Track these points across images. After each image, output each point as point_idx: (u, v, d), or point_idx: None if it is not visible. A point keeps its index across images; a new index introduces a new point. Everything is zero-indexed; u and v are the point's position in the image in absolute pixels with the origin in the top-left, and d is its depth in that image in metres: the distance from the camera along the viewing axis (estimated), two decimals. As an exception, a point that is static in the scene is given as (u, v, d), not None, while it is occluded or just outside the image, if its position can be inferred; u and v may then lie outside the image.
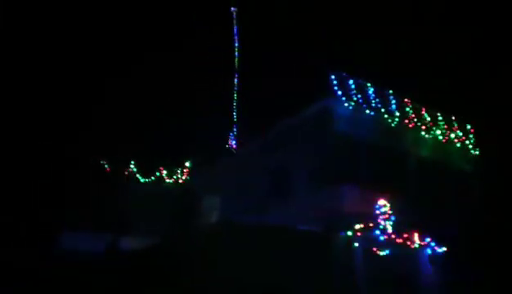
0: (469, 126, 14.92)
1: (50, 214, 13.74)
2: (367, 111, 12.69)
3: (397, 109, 13.31)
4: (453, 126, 14.56)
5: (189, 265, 9.14)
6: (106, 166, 15.92)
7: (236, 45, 19.49)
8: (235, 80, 18.96)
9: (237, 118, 17.08)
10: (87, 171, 15.70)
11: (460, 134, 14.58)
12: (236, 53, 19.19)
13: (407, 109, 13.57)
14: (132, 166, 16.27)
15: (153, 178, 16.46)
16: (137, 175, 16.26)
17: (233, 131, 16.11)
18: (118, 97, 19.63)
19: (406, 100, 13.66)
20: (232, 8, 19.15)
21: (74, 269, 10.40)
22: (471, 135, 14.86)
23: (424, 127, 13.74)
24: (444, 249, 10.44)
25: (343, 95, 12.29)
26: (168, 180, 16.68)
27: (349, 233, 9.88)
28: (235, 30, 19.01)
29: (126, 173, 16.12)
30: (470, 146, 14.77)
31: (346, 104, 12.20)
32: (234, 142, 16.03)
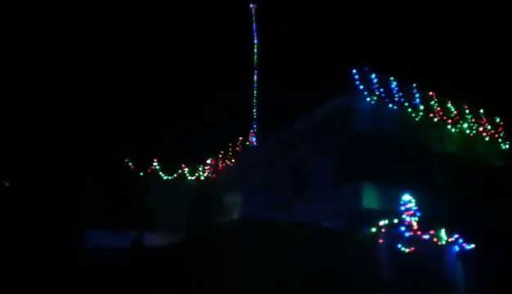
0: (498, 120, 14.37)
1: (76, 211, 14.17)
2: (390, 105, 12.41)
3: (422, 102, 12.96)
4: (481, 119, 14.05)
5: (212, 261, 9.22)
6: (130, 164, 16.28)
7: (256, 42, 19.49)
8: (255, 77, 18.98)
9: (257, 114, 17.10)
10: (112, 170, 16.11)
11: (489, 127, 14.05)
12: (256, 50, 19.19)
13: (432, 102, 13.20)
14: (155, 163, 16.58)
15: (175, 175, 16.72)
16: (160, 173, 16.56)
17: (254, 128, 16.13)
18: (142, 96, 20.07)
19: (430, 93, 13.28)
20: (251, 5, 19.15)
21: (100, 266, 10.69)
22: (501, 129, 14.30)
23: (450, 121, 13.33)
24: (473, 246, 10.12)
25: (365, 89, 12.06)
26: (190, 178, 16.92)
27: (373, 229, 9.72)
28: (254, 27, 19.00)
29: (149, 171, 16.44)
30: (500, 140, 14.22)
31: (368, 99, 11.97)
32: (254, 139, 16.05)
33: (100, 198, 15.00)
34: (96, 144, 17.20)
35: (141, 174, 16.14)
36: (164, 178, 16.44)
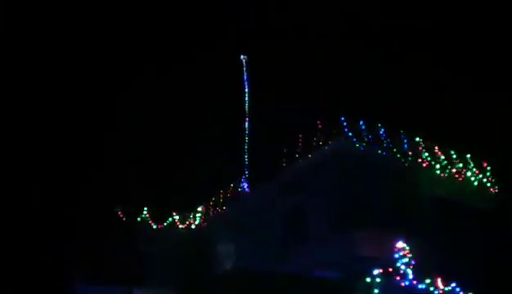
0: (485, 164, 14.64)
1: (63, 266, 13.62)
2: (379, 151, 12.63)
3: (410, 148, 13.22)
4: (469, 163, 14.31)
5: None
6: (120, 213, 15.95)
7: (246, 90, 20.06)
8: (246, 124, 19.30)
9: (249, 161, 17.18)
10: (100, 219, 15.75)
11: (476, 171, 14.28)
12: (247, 98, 19.70)
13: (420, 148, 13.47)
14: (144, 212, 16.27)
15: (166, 224, 16.35)
16: (149, 222, 16.19)
17: (245, 175, 16.11)
18: (129, 141, 20.11)
19: (417, 139, 13.61)
20: (242, 56, 19.94)
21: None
22: (488, 173, 14.53)
23: (438, 166, 13.53)
24: (471, 295, 9.87)
25: (354, 136, 12.32)
26: (180, 226, 16.55)
27: (368, 279, 9.48)
28: (245, 77, 19.65)
29: (139, 220, 16.09)
30: (489, 184, 14.40)
31: (357, 145, 12.19)
32: (246, 185, 15.98)
33: (87, 251, 14.50)
34: (82, 194, 16.95)
35: (131, 224, 15.74)
36: (154, 227, 16.04)
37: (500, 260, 12.05)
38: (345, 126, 12.36)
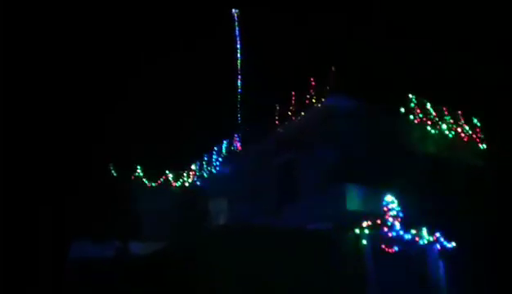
0: (475, 120, 14.79)
1: (59, 222, 13.89)
2: (373, 108, 12.63)
3: (402, 104, 13.25)
4: (459, 120, 14.44)
5: (199, 268, 9.17)
6: (113, 171, 16.04)
7: (238, 46, 19.57)
8: (239, 82, 19.03)
9: (242, 119, 17.13)
10: (95, 178, 15.86)
11: (467, 128, 14.46)
12: (239, 55, 19.26)
13: (412, 104, 13.50)
14: (138, 170, 16.38)
15: (159, 182, 16.55)
16: (144, 180, 16.36)
17: (238, 133, 16.14)
18: (126, 103, 19.86)
19: (409, 95, 13.59)
20: (234, 10, 19.23)
21: (84, 277, 10.49)
22: (478, 130, 14.73)
23: (429, 122, 13.65)
24: (453, 244, 10.35)
25: (347, 92, 12.26)
26: (174, 184, 16.77)
27: (357, 230, 9.85)
28: (237, 32, 19.08)
29: (133, 177, 16.24)
30: (478, 140, 14.64)
31: (350, 101, 12.17)
32: (239, 144, 16.06)
33: (84, 208, 14.73)
34: (80, 154, 16.92)
35: (124, 181, 15.90)
36: (148, 185, 16.24)
37: (484, 213, 12.54)
38: (337, 83, 12.26)
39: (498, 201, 12.60)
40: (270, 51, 18.67)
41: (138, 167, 16.38)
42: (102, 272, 10.62)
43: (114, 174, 15.94)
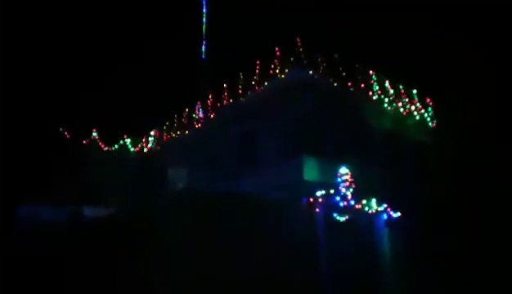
0: (428, 100, 15.60)
1: (7, 187, 13.13)
2: (333, 82, 12.90)
3: (363, 81, 13.63)
4: (413, 99, 15.16)
5: (154, 234, 9.18)
6: (66, 133, 15.29)
7: (204, 11, 18.90)
8: (203, 47, 18.53)
9: (205, 85, 16.83)
10: (46, 140, 15.03)
11: (419, 106, 15.23)
12: (204, 19, 18.65)
13: (371, 81, 13.93)
14: (94, 134, 15.73)
15: (116, 146, 16.04)
16: (100, 144, 15.77)
17: (201, 100, 15.88)
18: (82, 61, 18.70)
19: (371, 72, 13.98)
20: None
21: (35, 243, 10.16)
22: (429, 108, 15.57)
23: (386, 100, 14.20)
24: (399, 214, 11.11)
25: (310, 65, 12.37)
26: (132, 149, 16.34)
27: (311, 199, 10.26)
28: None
29: (87, 141, 15.58)
30: (428, 118, 15.51)
31: (311, 73, 12.31)
32: (201, 111, 15.85)
33: (32, 171, 13.99)
34: (27, 113, 15.86)
35: (78, 144, 15.23)
36: (104, 149, 15.68)
37: (426, 187, 13.50)
38: (302, 54, 12.32)
39: (439, 176, 13.59)
40: (236, 18, 18.21)
41: (94, 132, 15.72)
42: (55, 235, 10.34)
43: (67, 136, 15.19)
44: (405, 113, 14.71)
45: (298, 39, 12.51)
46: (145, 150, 16.58)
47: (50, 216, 11.63)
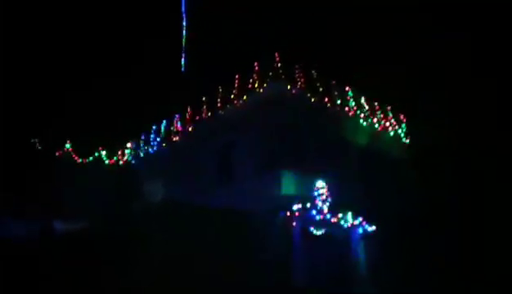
0: (401, 116, 16.10)
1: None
2: (311, 98, 13.14)
3: (339, 97, 13.96)
4: (388, 115, 15.62)
5: (129, 246, 8.96)
6: (38, 145, 14.79)
7: (184, 24, 19.03)
8: (183, 60, 18.57)
9: (184, 97, 16.78)
10: (17, 152, 14.47)
11: (394, 123, 15.70)
12: (184, 32, 18.75)
13: (348, 98, 14.29)
14: (67, 145, 15.29)
15: (91, 158, 15.64)
16: (73, 156, 15.33)
17: (179, 112, 15.80)
18: (53, 71, 18.28)
19: (347, 88, 14.35)
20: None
21: (6, 259, 9.68)
22: (403, 125, 16.07)
23: (362, 116, 14.57)
24: (373, 228, 11.28)
25: (288, 79, 12.59)
26: (107, 161, 15.97)
27: (288, 213, 10.29)
28: (183, 8, 18.51)
29: (60, 153, 15.12)
30: (402, 134, 15.98)
31: (289, 88, 12.51)
32: (179, 124, 15.75)
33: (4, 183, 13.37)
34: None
35: (50, 156, 14.74)
36: (78, 161, 15.23)
37: (404, 202, 13.82)
38: (280, 70, 12.52)
39: (414, 190, 13.94)
40: (216, 33, 18.39)
41: (67, 143, 15.27)
42: (27, 249, 9.90)
43: (39, 147, 14.71)
44: (380, 129, 15.11)
45: (276, 54, 12.73)
46: (121, 163, 16.24)
47: (19, 230, 11.11)
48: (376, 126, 14.99)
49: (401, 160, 15.26)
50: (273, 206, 10.71)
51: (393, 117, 15.73)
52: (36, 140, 14.72)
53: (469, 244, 11.73)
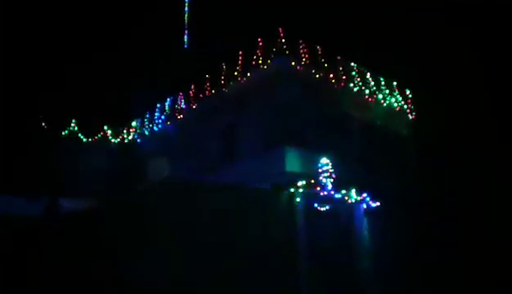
0: (408, 91, 15.87)
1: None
2: (315, 74, 12.96)
3: (344, 72, 13.74)
4: (394, 90, 15.40)
5: (135, 225, 9.10)
6: (43, 124, 14.86)
7: (186, 1, 18.62)
8: (186, 37, 18.29)
9: (187, 77, 16.64)
10: (21, 130, 14.54)
11: (400, 98, 15.49)
12: (186, 8, 18.37)
13: (353, 73, 14.06)
14: (72, 124, 15.35)
15: (96, 137, 15.71)
16: (79, 135, 15.41)
17: (182, 92, 15.71)
18: (60, 50, 18.12)
19: (352, 63, 14.10)
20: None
21: (9, 236, 9.89)
22: (409, 100, 15.86)
23: (367, 91, 14.38)
24: (377, 204, 11.36)
25: (292, 55, 12.38)
26: (113, 140, 16.05)
27: (292, 189, 10.37)
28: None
29: (66, 132, 15.19)
30: (408, 110, 15.81)
31: (294, 64, 12.33)
32: (183, 102, 15.69)
33: (5, 161, 13.48)
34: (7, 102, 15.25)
35: (56, 135, 14.81)
36: (84, 140, 15.33)
37: (404, 177, 13.85)
38: (284, 45, 12.30)
39: (417, 167, 13.93)
40: (219, 8, 18.00)
41: (73, 121, 15.33)
42: (31, 228, 10.08)
43: (45, 126, 14.78)
44: (385, 106, 14.94)
45: (280, 29, 12.48)
46: (126, 141, 16.32)
47: (23, 209, 11.15)
48: (382, 101, 14.81)
49: (407, 137, 15.16)
50: (278, 183, 10.78)
51: (399, 92, 15.51)
52: (41, 117, 14.75)
53: (469, 228, 11.82)
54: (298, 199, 10.30)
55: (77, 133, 15.33)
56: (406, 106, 15.67)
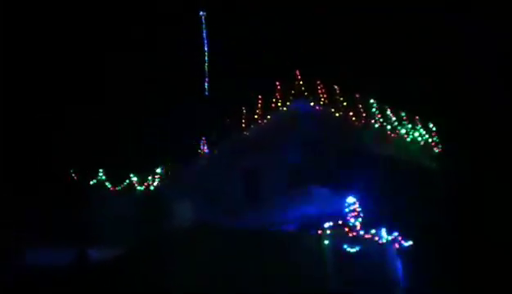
0: (431, 125, 15.63)
1: (8, 228, 12.97)
2: (335, 112, 13.04)
3: (364, 109, 13.77)
4: (416, 125, 15.21)
5: (163, 271, 9.02)
6: (73, 175, 15.38)
7: (206, 49, 19.55)
8: (206, 84, 18.99)
9: (208, 121, 17.08)
10: (51, 181, 15.07)
11: (423, 132, 15.25)
12: (206, 58, 19.24)
13: (373, 109, 14.06)
14: (100, 174, 15.80)
15: (124, 184, 16.06)
16: (106, 184, 15.80)
17: (205, 136, 16.06)
18: (86, 101, 19.09)
19: (371, 100, 14.15)
20: (201, 12, 19.22)
21: (38, 288, 9.95)
22: (433, 134, 15.58)
23: (389, 127, 14.27)
24: (410, 243, 10.85)
25: (311, 96, 12.58)
26: (139, 187, 16.34)
27: (319, 231, 10.09)
28: (204, 34, 19.06)
29: (94, 181, 15.62)
30: (433, 144, 15.48)
31: (313, 104, 12.49)
32: (206, 147, 15.99)
33: (36, 212, 13.85)
34: (32, 153, 15.98)
35: (84, 185, 15.25)
36: (111, 188, 15.68)
37: (438, 214, 13.26)
38: (303, 87, 12.56)
39: (448, 202, 13.37)
40: (237, 54, 18.80)
41: (100, 171, 15.81)
42: (63, 280, 10.11)
43: (74, 177, 15.29)
44: (409, 140, 14.71)
45: (297, 72, 12.80)
46: (152, 188, 16.58)
47: (52, 259, 11.14)
48: (405, 136, 14.61)
49: (435, 171, 14.73)
50: (304, 224, 10.55)
51: (422, 126, 15.28)
52: (71, 171, 15.31)
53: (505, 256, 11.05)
54: (326, 242, 9.98)
55: (104, 182, 15.74)
56: (430, 140, 15.37)
